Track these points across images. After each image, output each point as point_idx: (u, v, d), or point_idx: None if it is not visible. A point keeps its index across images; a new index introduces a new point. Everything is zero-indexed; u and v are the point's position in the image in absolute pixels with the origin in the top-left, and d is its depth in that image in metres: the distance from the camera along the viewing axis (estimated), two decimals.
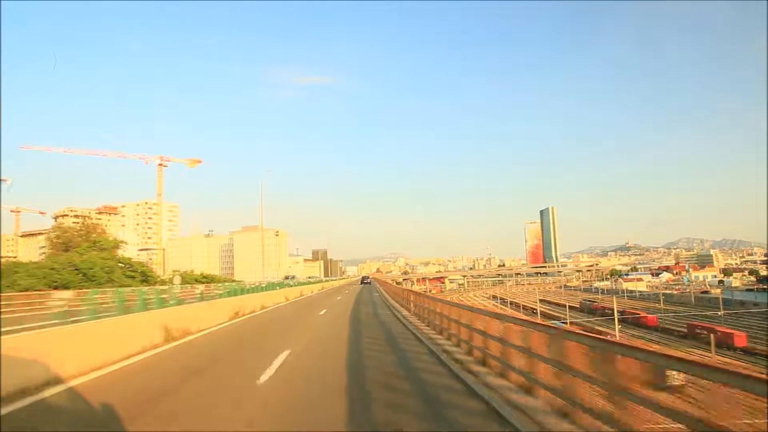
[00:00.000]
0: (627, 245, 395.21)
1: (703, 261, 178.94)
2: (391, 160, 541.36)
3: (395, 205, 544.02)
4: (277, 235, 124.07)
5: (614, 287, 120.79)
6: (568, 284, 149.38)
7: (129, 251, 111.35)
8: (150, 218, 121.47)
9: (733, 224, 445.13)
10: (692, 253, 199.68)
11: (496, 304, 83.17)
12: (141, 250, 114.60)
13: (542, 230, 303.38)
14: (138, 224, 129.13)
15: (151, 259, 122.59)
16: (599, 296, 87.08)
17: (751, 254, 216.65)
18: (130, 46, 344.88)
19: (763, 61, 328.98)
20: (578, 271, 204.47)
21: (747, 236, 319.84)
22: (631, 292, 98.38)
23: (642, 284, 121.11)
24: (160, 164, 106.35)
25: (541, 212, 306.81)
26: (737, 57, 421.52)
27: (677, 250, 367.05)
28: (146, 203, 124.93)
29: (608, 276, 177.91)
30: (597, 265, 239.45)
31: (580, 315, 69.12)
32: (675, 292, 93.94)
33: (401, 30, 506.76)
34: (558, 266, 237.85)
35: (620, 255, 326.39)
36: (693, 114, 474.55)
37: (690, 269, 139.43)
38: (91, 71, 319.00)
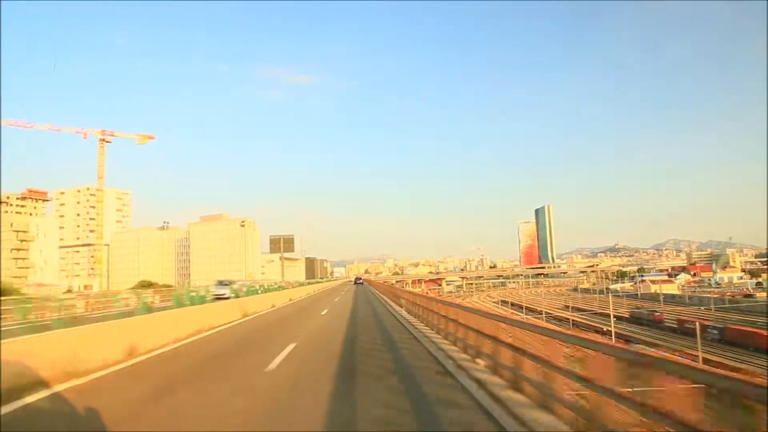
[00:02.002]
0: (616, 246, 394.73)
1: (716, 261, 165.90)
2: (379, 160, 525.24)
3: (383, 206, 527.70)
4: (243, 225, 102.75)
5: (640, 289, 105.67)
6: (580, 287, 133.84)
7: (46, 247, 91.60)
8: (92, 207, 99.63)
9: (719, 226, 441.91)
10: (705, 252, 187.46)
11: (516, 312, 66.07)
12: (68, 247, 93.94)
13: (537, 230, 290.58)
14: (79, 214, 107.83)
15: (93, 256, 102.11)
16: (658, 305, 70.41)
17: (741, 255, 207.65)
18: (116, 42, 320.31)
19: (760, 63, 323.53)
20: (582, 272, 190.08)
21: (734, 238, 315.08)
22: (674, 296, 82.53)
23: (672, 286, 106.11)
24: (102, 140, 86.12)
25: (536, 211, 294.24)
26: (733, 58, 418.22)
27: (667, 251, 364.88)
28: (88, 189, 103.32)
29: (616, 277, 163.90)
30: (597, 266, 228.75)
31: (641, 329, 52.53)
32: (715, 296, 79.09)
33: (391, 29, 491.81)
34: (554, 267, 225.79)
35: (610, 256, 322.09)
36: (682, 116, 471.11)
37: (717, 270, 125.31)
38: (68, 65, 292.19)
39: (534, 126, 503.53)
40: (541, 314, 57.64)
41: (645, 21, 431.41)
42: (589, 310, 71.28)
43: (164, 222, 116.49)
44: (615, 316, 62.65)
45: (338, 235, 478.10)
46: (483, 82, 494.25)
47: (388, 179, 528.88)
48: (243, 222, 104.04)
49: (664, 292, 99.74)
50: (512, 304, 75.12)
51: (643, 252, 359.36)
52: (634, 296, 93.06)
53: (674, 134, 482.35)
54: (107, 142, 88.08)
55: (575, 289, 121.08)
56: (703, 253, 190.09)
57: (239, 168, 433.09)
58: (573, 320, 49.98)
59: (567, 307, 78.49)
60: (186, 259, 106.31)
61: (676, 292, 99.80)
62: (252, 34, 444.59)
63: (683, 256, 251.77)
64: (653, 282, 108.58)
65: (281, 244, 47.39)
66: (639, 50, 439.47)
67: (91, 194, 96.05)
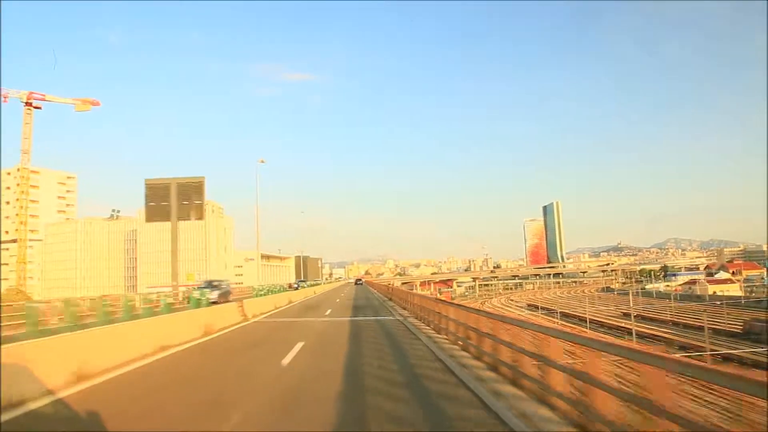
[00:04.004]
0: (619, 245, 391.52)
1: (751, 258, 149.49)
2: (379, 159, 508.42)
3: (383, 206, 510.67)
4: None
5: (697, 290, 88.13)
6: (609, 287, 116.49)
7: None
8: (23, 192, 78.77)
9: (719, 225, 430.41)
10: (738, 249, 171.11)
11: (565, 323, 48.60)
12: None
13: (546, 228, 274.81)
14: (8, 202, 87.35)
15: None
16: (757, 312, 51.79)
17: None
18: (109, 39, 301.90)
19: (761, 63, 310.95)
20: (603, 271, 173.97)
21: (734, 236, 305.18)
22: (739, 299, 64.62)
23: (734, 287, 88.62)
24: (28, 104, 67.17)
25: (544, 208, 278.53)
26: (734, 58, 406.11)
27: (672, 249, 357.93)
28: (18, 170, 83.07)
29: (644, 277, 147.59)
30: (613, 263, 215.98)
31: None
32: None
33: (389, 27, 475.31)
34: (563, 266, 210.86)
35: (614, 255, 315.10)
36: (682, 116, 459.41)
37: None
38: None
39: (534, 126, 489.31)
40: (630, 333, 39.25)
41: (646, 20, 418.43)
42: (645, 316, 53.41)
43: (113, 210, 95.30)
44: (712, 329, 44.45)
45: (337, 235, 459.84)
46: (483, 80, 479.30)
47: (388, 179, 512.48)
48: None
49: (724, 293, 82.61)
50: (562, 314, 56.62)
51: (647, 251, 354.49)
52: (697, 299, 75.35)
53: (674, 134, 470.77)
54: (36, 107, 69.23)
55: (611, 291, 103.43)
56: (736, 249, 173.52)
57: (231, 167, 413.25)
58: (711, 350, 31.10)
59: (626, 314, 60.45)
60: (135, 256, 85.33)
61: (738, 293, 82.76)
62: (244, 31, 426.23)
63: (728, 251, 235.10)
64: (710, 281, 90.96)
65: (172, 197, 27.49)
66: (640, 50, 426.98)
67: (23, 176, 76.53)
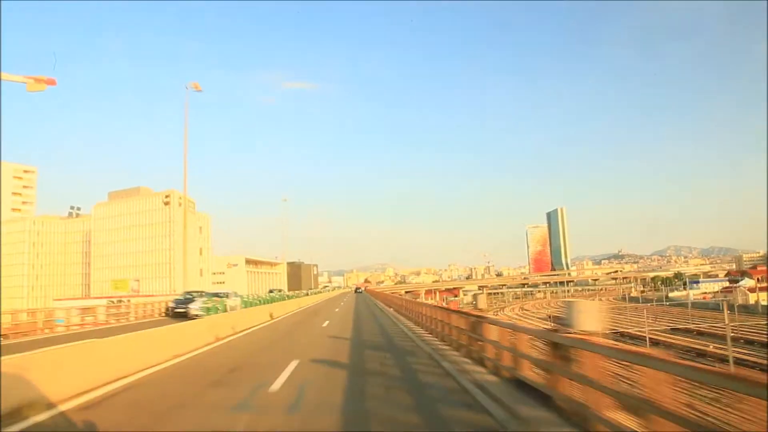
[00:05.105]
0: (620, 253, 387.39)
1: None
2: (378, 167, 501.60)
3: (382, 214, 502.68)
4: (167, 202, 64.18)
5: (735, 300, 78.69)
6: (632, 295, 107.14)
7: None
8: None
9: (717, 232, 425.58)
10: (760, 254, 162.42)
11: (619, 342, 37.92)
12: None
13: (550, 234, 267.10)
14: None
15: None
16: None
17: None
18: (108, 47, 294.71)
19: (762, 69, 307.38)
20: (613, 279, 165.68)
21: (734, 243, 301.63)
22: None
23: None
24: None
25: (548, 214, 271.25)
26: (735, 66, 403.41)
27: (674, 257, 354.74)
28: None
29: (660, 284, 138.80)
30: (619, 272, 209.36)
31: None
32: None
33: (390, 36, 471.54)
34: (568, 274, 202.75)
35: (615, 263, 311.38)
36: (681, 123, 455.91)
37: None
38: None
39: (532, 134, 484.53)
40: (703, 356, 29.38)
41: (646, 27, 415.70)
42: (727, 336, 43.58)
43: (72, 208, 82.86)
44: None
45: (336, 244, 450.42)
46: (484, 88, 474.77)
47: (388, 187, 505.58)
48: (167, 197, 65.57)
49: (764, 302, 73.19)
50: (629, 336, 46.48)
51: (648, 258, 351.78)
52: (743, 309, 65.86)
53: (673, 142, 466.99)
54: None
55: (636, 300, 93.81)
56: (756, 255, 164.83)
57: (229, 175, 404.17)
58: None
59: (675, 329, 50.59)
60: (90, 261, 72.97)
61: None
62: (244, 40, 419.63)
63: (747, 257, 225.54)
64: (751, 290, 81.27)
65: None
66: (639, 57, 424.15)
67: None
